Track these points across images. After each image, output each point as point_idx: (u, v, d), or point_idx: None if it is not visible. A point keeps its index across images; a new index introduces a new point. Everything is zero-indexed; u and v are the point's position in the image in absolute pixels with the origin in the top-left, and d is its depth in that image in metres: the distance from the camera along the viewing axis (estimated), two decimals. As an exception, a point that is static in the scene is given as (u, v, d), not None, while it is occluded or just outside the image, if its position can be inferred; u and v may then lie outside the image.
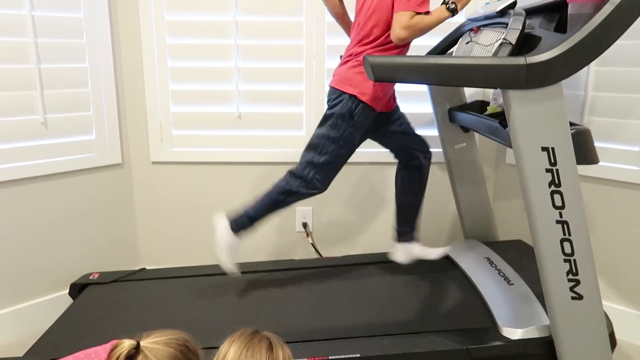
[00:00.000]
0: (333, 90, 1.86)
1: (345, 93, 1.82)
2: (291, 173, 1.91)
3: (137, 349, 1.07)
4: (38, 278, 2.16)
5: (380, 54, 1.79)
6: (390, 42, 1.76)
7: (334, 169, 1.91)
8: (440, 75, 1.29)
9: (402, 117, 2.04)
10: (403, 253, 2.12)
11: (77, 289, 2.12)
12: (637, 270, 2.00)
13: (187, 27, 2.29)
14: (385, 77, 1.28)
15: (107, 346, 1.13)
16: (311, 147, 1.89)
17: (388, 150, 2.08)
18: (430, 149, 2.07)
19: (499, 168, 2.46)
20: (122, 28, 2.27)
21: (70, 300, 2.09)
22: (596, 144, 1.45)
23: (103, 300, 2.02)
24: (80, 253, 2.28)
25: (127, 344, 1.07)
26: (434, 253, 2.11)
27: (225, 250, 1.91)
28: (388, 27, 1.76)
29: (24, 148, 2.06)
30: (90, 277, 2.16)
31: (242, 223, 1.92)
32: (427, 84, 2.05)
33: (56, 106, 2.12)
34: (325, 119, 1.87)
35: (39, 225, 2.14)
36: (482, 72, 1.27)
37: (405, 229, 2.12)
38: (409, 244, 2.12)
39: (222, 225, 1.92)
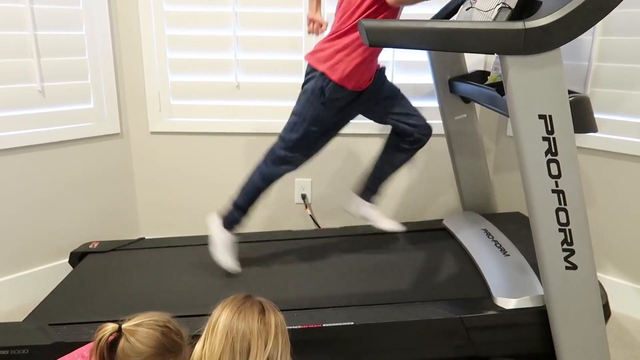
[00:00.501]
0: (308, 65, 1.82)
1: (316, 70, 1.77)
2: (267, 153, 1.90)
3: (119, 331, 1.09)
4: (38, 246, 2.18)
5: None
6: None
7: (306, 148, 1.88)
8: (436, 40, 1.26)
9: (394, 95, 1.95)
10: (357, 207, 2.06)
11: (77, 257, 2.14)
12: (635, 243, 1.99)
13: (185, -5, 2.26)
14: (380, 41, 1.25)
15: (90, 344, 1.15)
16: (287, 124, 1.87)
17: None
18: (430, 129, 1.97)
19: (500, 140, 2.43)
20: (119, -5, 2.24)
21: (69, 269, 2.11)
22: (599, 116, 1.42)
23: (102, 268, 2.04)
24: (79, 222, 2.29)
25: (109, 327, 1.10)
26: (387, 224, 2.04)
27: (222, 248, 1.93)
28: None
29: (21, 116, 2.05)
30: (90, 246, 2.18)
31: (233, 217, 1.92)
32: (422, 49, 2.01)
33: (53, 74, 2.10)
34: (300, 95, 1.84)
35: (38, 194, 2.15)
36: (478, 36, 1.24)
37: (371, 188, 2.05)
38: (367, 202, 2.05)
39: (215, 224, 1.93)
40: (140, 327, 1.12)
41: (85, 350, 1.23)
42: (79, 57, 2.16)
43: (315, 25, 1.86)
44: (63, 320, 1.63)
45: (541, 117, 1.31)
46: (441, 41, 1.26)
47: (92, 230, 2.32)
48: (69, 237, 2.24)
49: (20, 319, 1.69)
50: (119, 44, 2.28)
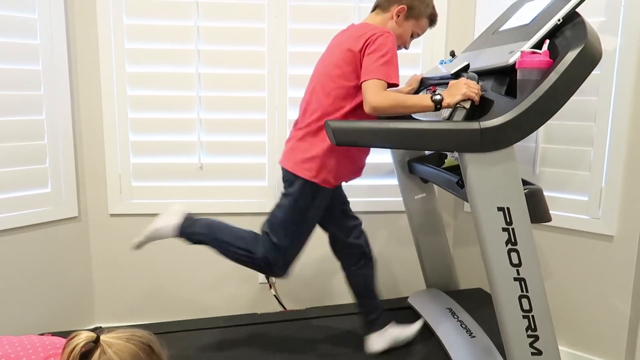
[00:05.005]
0: (287, 172, 1.78)
1: (300, 177, 1.74)
2: (264, 240, 1.82)
3: (96, 342, 1.01)
4: (-16, 340, 2.04)
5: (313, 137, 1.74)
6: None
7: (296, 252, 1.85)
8: (401, 140, 1.33)
9: (345, 200, 1.95)
10: (379, 341, 1.92)
11: (27, 351, 2.01)
12: (590, 314, 2.07)
13: (149, 78, 2.29)
14: (347, 141, 1.31)
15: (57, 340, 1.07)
16: (275, 225, 1.81)
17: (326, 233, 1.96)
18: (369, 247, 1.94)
19: (458, 216, 2.52)
20: (81, 79, 2.24)
21: (19, 364, 1.97)
22: (548, 193, 1.51)
23: (55, 363, 1.91)
24: (34, 311, 2.17)
25: (84, 335, 1.00)
26: (410, 330, 1.95)
27: (153, 234, 1.86)
28: (328, 107, 1.70)
29: (-27, 204, 1.98)
30: (42, 338, 2.06)
31: (190, 236, 1.85)
32: (387, 148, 2.08)
33: (10, 159, 2.06)
34: (284, 198, 1.80)
35: (-13, 284, 2.04)
36: (439, 136, 1.32)
37: (373, 315, 1.94)
38: (383, 329, 1.93)
39: (173, 221, 1.85)
40: (120, 340, 1.04)
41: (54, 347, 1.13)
42: (39, 141, 2.13)
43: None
44: None
45: (500, 209, 1.38)
46: (406, 141, 1.33)
47: (47, 320, 2.20)
48: (23, 327, 2.11)
49: None
50: (80, 127, 2.26)
